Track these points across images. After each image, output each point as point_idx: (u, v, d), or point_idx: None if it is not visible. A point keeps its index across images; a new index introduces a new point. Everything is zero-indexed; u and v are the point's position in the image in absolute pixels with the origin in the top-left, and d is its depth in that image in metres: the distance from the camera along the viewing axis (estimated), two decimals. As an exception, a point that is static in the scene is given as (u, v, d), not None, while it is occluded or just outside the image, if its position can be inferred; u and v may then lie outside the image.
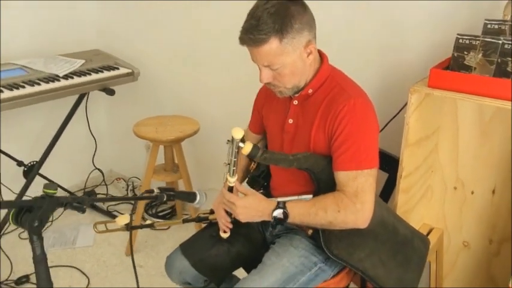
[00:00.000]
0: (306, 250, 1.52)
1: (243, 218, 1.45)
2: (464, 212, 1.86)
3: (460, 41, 1.58)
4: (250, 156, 1.41)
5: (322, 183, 1.45)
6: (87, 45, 2.82)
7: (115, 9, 2.88)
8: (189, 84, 2.73)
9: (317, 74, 1.47)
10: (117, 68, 2.59)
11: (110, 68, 2.56)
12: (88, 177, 3.06)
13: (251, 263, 1.66)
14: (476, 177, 1.80)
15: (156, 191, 1.34)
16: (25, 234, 2.68)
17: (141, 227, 1.90)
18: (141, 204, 2.51)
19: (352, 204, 1.36)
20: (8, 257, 2.42)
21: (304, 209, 1.40)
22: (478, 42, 1.55)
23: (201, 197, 1.43)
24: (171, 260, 1.65)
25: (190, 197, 1.42)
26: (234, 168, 1.40)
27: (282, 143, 1.56)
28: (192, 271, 1.61)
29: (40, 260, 0.98)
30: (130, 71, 2.59)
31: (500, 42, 1.52)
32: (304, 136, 1.48)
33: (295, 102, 1.52)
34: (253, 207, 1.44)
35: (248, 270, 1.74)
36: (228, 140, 1.35)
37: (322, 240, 1.45)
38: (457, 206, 1.87)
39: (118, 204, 3.01)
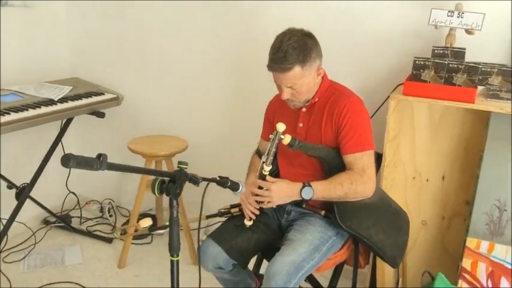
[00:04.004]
0: (321, 227, 1.88)
1: (277, 200, 1.78)
2: (422, 197, 2.35)
3: (417, 62, 2.10)
4: (290, 145, 1.76)
5: (332, 168, 1.84)
6: (62, 74, 2.99)
7: (86, 40, 3.10)
8: (157, 107, 3.00)
9: (321, 86, 1.89)
10: (103, 94, 2.79)
11: (96, 94, 2.76)
12: (64, 201, 3.14)
13: (268, 248, 2.00)
14: (430, 168, 2.30)
15: (217, 178, 1.61)
16: (9, 258, 2.70)
17: (164, 227, 2.12)
18: (134, 217, 2.68)
19: (361, 178, 1.77)
20: (7, 278, 2.45)
21: (325, 186, 1.78)
22: (430, 62, 2.08)
23: (242, 187, 1.71)
24: (205, 248, 1.91)
25: (236, 186, 1.70)
26: (272, 158, 1.75)
27: None
28: (224, 256, 1.89)
29: (175, 222, 1.23)
30: (115, 96, 2.81)
31: (446, 62, 2.06)
32: (316, 134, 1.87)
33: (304, 109, 1.91)
34: (284, 189, 1.78)
35: (265, 254, 2.07)
36: (271, 134, 1.71)
37: (338, 215, 1.82)
38: (416, 192, 2.35)
39: (95, 224, 3.12)
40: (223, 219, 2.06)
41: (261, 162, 1.81)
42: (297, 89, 1.79)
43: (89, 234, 2.98)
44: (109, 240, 2.93)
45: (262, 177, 1.81)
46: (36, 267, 2.65)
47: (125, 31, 2.98)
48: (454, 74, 2.05)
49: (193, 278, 2.61)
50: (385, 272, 2.10)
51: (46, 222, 3.07)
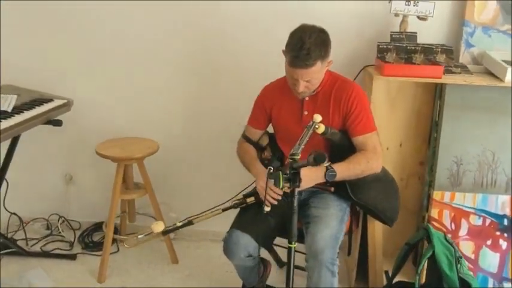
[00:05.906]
0: (337, 201, 2.08)
1: (305, 185, 1.90)
2: (384, 163, 2.60)
3: (380, 46, 2.40)
4: (323, 133, 1.88)
5: (342, 150, 2.02)
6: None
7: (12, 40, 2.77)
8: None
9: (324, 76, 2.05)
10: (52, 100, 2.55)
11: (46, 101, 2.52)
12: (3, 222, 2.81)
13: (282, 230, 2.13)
14: (389, 137, 2.64)
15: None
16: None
17: (180, 227, 2.09)
18: (111, 225, 2.54)
19: (374, 155, 2.00)
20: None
21: (344, 167, 1.96)
22: (391, 46, 2.40)
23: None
24: (236, 239, 1.97)
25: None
26: (303, 146, 1.86)
27: (301, 131, 2.06)
28: (253, 243, 1.98)
29: (295, 211, 1.30)
30: (66, 101, 2.59)
31: (404, 45, 2.40)
32: (323, 120, 2.03)
33: (307, 98, 2.06)
34: (311, 174, 1.91)
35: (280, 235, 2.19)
36: (307, 125, 1.82)
37: (350, 190, 2.03)
38: (379, 160, 2.68)
39: (47, 243, 2.85)
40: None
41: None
42: (312, 81, 1.93)
43: (47, 255, 2.72)
44: (73, 257, 2.72)
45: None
46: (5, 302, 2.37)
47: (58, 29, 2.74)
48: (412, 54, 2.39)
49: (176, 277, 2.61)
50: (376, 232, 2.38)
51: (-12, 251, 2.71)
